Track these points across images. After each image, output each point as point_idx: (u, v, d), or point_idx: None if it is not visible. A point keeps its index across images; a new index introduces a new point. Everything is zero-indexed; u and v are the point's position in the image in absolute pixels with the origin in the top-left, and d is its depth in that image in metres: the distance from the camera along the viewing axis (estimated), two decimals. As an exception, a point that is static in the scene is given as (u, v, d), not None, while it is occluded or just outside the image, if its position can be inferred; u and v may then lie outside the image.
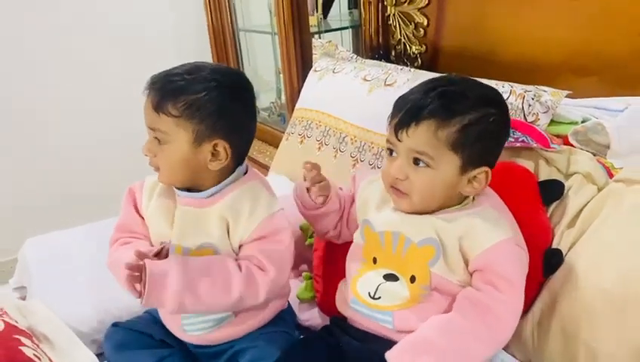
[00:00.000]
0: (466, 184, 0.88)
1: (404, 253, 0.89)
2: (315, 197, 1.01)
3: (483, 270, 0.86)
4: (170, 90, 0.92)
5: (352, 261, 0.98)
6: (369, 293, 0.92)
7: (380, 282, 0.91)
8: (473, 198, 0.92)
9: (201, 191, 0.98)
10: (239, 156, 0.99)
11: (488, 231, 0.86)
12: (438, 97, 0.85)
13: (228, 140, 0.95)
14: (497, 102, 0.89)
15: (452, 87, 0.88)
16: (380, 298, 0.91)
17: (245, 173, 1.01)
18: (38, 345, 1.00)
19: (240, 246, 0.97)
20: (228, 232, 0.96)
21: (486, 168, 0.88)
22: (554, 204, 1.03)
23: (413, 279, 0.88)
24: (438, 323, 0.85)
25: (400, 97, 0.91)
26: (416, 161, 0.86)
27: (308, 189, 1.01)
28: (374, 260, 0.93)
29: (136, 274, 0.88)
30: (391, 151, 0.90)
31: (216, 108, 0.93)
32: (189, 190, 0.99)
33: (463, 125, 0.84)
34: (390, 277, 0.90)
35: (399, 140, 0.87)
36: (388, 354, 0.83)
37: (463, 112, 0.84)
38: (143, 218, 1.03)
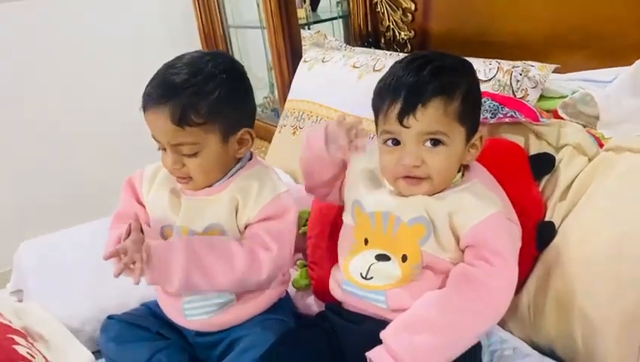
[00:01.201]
0: (467, 153, 0.88)
1: (395, 232, 0.88)
2: (335, 152, 0.95)
3: (474, 245, 0.85)
4: (187, 100, 0.89)
5: (344, 242, 0.98)
6: (361, 274, 0.91)
7: (371, 262, 0.90)
8: (462, 175, 0.91)
9: None
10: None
11: (477, 206, 0.85)
12: (433, 74, 0.83)
13: (250, 125, 0.97)
14: (471, 68, 0.90)
15: (436, 62, 0.85)
16: (372, 278, 0.90)
17: (250, 159, 1.02)
18: (32, 344, 1.00)
19: (246, 227, 0.97)
20: (236, 213, 0.97)
21: (480, 133, 0.89)
22: (545, 178, 1.03)
23: (404, 258, 0.87)
24: (432, 299, 0.84)
25: (383, 84, 0.88)
26: (430, 143, 0.84)
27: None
28: (365, 241, 0.92)
29: (124, 260, 0.87)
30: (394, 141, 0.86)
31: (233, 101, 0.93)
32: None
33: (463, 96, 0.84)
34: (382, 258, 0.89)
35: (405, 126, 0.83)
36: (383, 334, 0.83)
37: (460, 84, 0.84)
38: (143, 206, 1.03)
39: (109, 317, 1.08)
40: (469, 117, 0.86)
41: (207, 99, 0.89)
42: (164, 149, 0.94)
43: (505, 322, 1.01)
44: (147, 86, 0.93)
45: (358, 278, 0.91)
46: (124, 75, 2.14)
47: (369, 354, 0.82)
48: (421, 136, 0.84)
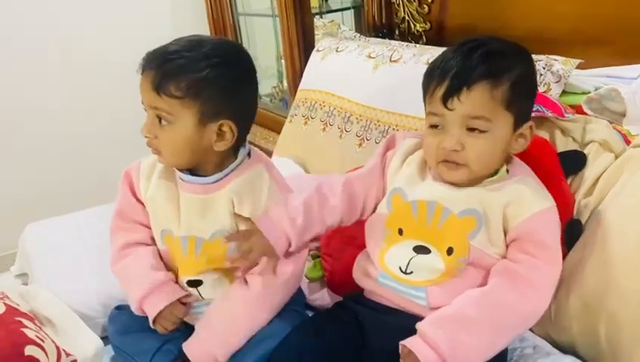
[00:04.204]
0: (514, 142, 0.86)
1: (441, 223, 0.85)
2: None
3: (521, 238, 0.83)
4: (170, 69, 0.87)
5: (374, 232, 0.94)
6: (400, 268, 0.88)
7: (411, 256, 0.87)
8: (507, 170, 0.89)
9: (204, 172, 0.95)
10: (243, 135, 0.97)
11: (535, 198, 0.84)
12: (482, 58, 0.82)
13: (234, 120, 0.92)
14: (527, 55, 0.88)
15: (489, 46, 0.85)
16: (412, 272, 0.87)
17: (249, 156, 0.99)
18: (40, 327, 0.97)
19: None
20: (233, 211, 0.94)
21: (531, 122, 0.87)
22: (571, 174, 1.01)
23: (450, 251, 0.85)
24: (473, 297, 0.82)
25: (434, 66, 0.87)
26: (471, 128, 0.83)
27: None
28: (400, 231, 0.89)
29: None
30: (435, 125, 0.85)
31: (220, 87, 0.90)
32: (190, 171, 0.96)
33: (512, 82, 0.82)
34: (421, 250, 0.86)
35: (449, 109, 0.82)
36: (420, 325, 0.81)
37: (510, 69, 0.82)
38: (142, 204, 1.01)
39: (117, 308, 1.06)
40: (518, 104, 0.83)
41: (191, 75, 0.87)
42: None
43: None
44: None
45: (397, 272, 0.88)
46: (124, 63, 2.12)
47: (404, 343, 0.80)
48: (464, 119, 0.82)
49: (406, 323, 0.83)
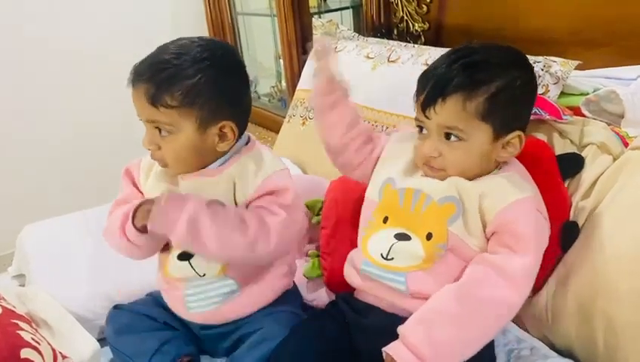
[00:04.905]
0: (501, 150, 0.87)
1: (423, 210, 0.87)
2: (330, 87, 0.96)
3: (500, 231, 0.84)
4: (162, 80, 0.87)
5: (362, 221, 0.96)
6: (382, 254, 0.89)
7: (392, 242, 0.88)
8: (500, 167, 0.90)
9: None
10: (243, 130, 0.97)
11: (507, 190, 0.85)
12: (461, 69, 0.83)
13: (233, 119, 0.92)
14: (521, 64, 0.88)
15: (474, 56, 0.86)
16: (393, 259, 0.88)
17: (248, 143, 0.99)
18: (36, 330, 0.97)
19: (247, 207, 0.94)
20: (234, 194, 0.94)
21: (518, 132, 0.87)
22: (568, 176, 1.00)
23: (429, 236, 0.86)
24: (450, 291, 0.82)
25: (423, 73, 0.89)
26: (447, 136, 0.85)
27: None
28: (385, 219, 0.91)
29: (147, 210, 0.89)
30: (421, 129, 0.89)
31: (215, 90, 0.89)
32: None
33: (490, 94, 0.83)
34: (401, 237, 0.88)
35: (428, 118, 0.85)
36: (401, 329, 0.81)
37: (489, 81, 0.83)
38: (142, 194, 1.00)
39: (115, 307, 1.05)
40: (497, 115, 0.83)
41: (184, 82, 0.87)
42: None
43: (522, 322, 0.99)
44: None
45: (378, 258, 0.89)
46: (132, 63, 2.12)
47: (386, 349, 0.80)
48: (440, 128, 0.85)
49: (386, 323, 0.84)
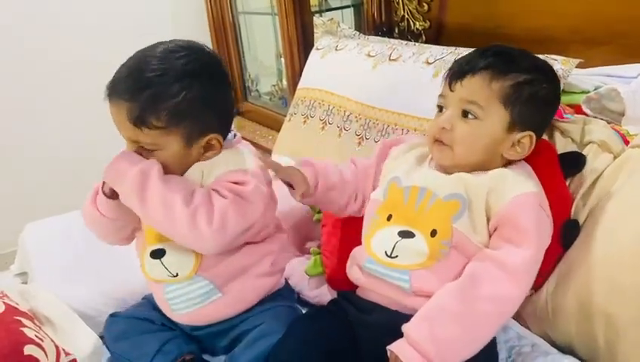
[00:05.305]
0: (510, 147, 0.89)
1: (428, 208, 0.88)
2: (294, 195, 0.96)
3: (501, 225, 0.85)
4: (146, 100, 0.84)
5: (365, 220, 0.97)
6: (385, 252, 0.89)
7: (396, 240, 0.88)
8: (506, 166, 0.91)
9: None
10: (226, 135, 0.96)
11: (513, 184, 0.86)
12: (496, 54, 0.90)
13: (219, 130, 0.92)
14: (551, 75, 0.93)
15: (511, 50, 0.92)
16: (397, 256, 0.88)
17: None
18: (40, 327, 0.97)
19: None
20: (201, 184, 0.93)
21: (531, 132, 0.89)
22: (570, 175, 1.01)
23: (434, 233, 0.86)
24: (453, 288, 0.82)
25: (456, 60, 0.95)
26: (465, 114, 0.88)
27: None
28: (388, 217, 0.91)
29: None
30: (440, 108, 0.92)
31: (202, 106, 0.88)
32: None
33: (516, 82, 0.87)
34: (405, 234, 0.88)
35: (452, 90, 0.90)
36: (405, 327, 0.81)
37: (519, 71, 0.88)
38: None
39: (112, 315, 1.05)
40: (518, 105, 0.87)
41: (169, 102, 0.85)
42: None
43: (523, 319, 0.99)
44: (115, 73, 0.89)
45: (382, 256, 0.89)
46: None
47: (391, 348, 0.81)
48: (460, 102, 0.89)
49: (390, 321, 0.84)
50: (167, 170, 0.90)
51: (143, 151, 0.90)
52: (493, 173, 0.88)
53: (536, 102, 0.89)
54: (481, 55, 0.90)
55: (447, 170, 0.91)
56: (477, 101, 0.87)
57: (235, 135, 0.99)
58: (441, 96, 0.92)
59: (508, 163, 0.92)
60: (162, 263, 0.94)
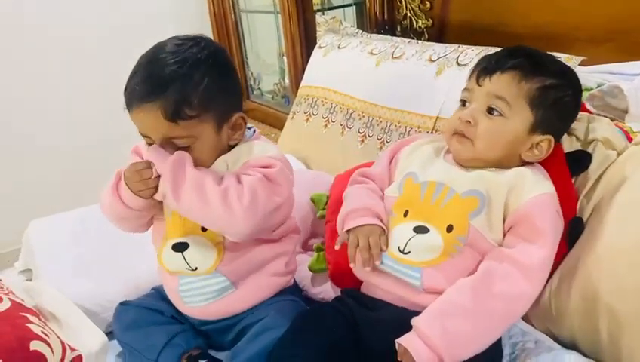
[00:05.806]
0: (529, 149, 0.90)
1: (445, 203, 0.88)
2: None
3: (517, 224, 0.85)
4: (179, 93, 0.86)
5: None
6: (399, 248, 0.89)
7: (410, 236, 0.88)
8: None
9: None
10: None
11: (534, 183, 0.87)
12: (526, 55, 0.91)
13: (240, 109, 0.96)
14: (576, 83, 0.94)
15: (537, 52, 0.94)
16: (409, 252, 0.88)
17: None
18: (45, 323, 0.98)
19: None
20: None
21: (550, 137, 0.90)
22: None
23: (450, 228, 0.86)
24: (465, 284, 0.83)
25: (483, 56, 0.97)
26: (490, 111, 0.89)
27: None
28: (405, 213, 0.91)
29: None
30: (464, 103, 0.93)
31: (222, 87, 0.92)
32: None
33: (544, 85, 0.89)
34: (420, 230, 0.88)
35: (479, 85, 0.90)
36: (415, 320, 0.81)
37: (547, 74, 0.89)
38: None
39: (122, 304, 1.06)
40: (543, 108, 0.88)
41: (197, 89, 0.88)
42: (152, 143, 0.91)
43: (526, 315, 0.99)
44: (129, 82, 0.90)
45: (395, 252, 0.90)
46: (132, 60, 2.13)
47: (400, 341, 0.80)
48: (488, 97, 0.89)
49: (396, 317, 0.84)
50: (202, 162, 0.92)
51: (174, 150, 0.90)
52: (512, 172, 0.88)
53: (559, 107, 0.91)
54: (511, 54, 0.91)
55: (463, 164, 0.92)
56: (505, 97, 0.88)
57: (254, 131, 1.02)
58: (465, 90, 0.93)
59: (523, 164, 0.92)
60: (184, 256, 0.96)
